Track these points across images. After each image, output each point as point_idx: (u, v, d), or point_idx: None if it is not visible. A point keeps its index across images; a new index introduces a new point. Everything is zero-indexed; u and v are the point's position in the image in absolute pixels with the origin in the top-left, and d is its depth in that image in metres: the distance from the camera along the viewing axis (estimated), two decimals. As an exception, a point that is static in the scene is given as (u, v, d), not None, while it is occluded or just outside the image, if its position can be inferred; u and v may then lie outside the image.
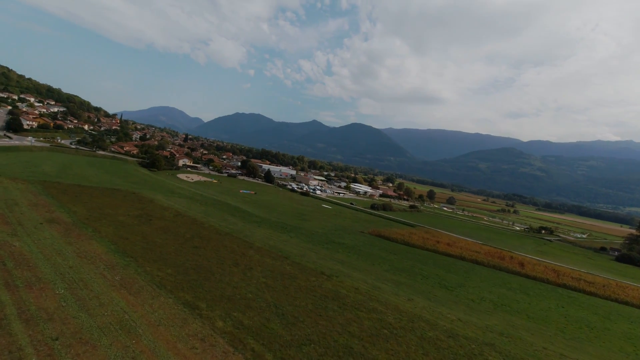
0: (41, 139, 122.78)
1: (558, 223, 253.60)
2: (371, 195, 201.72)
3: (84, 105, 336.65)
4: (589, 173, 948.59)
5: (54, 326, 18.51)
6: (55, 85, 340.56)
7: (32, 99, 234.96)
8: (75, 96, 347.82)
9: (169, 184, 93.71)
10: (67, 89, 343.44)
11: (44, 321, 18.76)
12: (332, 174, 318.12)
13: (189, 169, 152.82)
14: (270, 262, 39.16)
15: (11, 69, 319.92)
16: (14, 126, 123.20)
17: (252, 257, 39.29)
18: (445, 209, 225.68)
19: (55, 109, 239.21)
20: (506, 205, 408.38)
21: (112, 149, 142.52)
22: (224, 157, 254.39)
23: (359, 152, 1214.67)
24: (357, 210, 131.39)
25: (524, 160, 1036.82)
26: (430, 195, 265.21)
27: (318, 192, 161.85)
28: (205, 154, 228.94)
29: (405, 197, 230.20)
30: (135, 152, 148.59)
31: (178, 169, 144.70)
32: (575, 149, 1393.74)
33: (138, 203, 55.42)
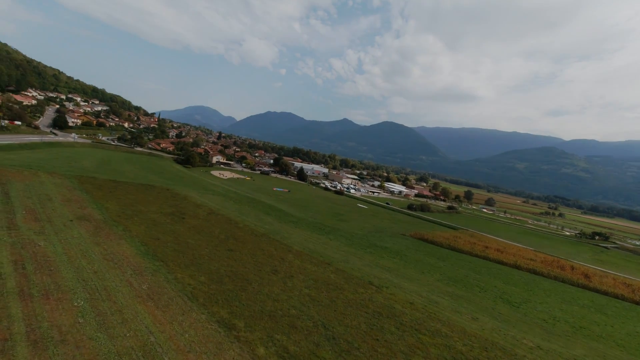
0: (84, 135, 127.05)
1: (610, 228, 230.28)
2: (406, 195, 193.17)
3: (125, 105, 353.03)
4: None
5: (65, 351, 15.09)
6: (100, 86, 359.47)
7: (78, 99, 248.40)
8: (118, 96, 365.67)
9: (202, 180, 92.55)
10: (110, 89, 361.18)
11: (55, 343, 15.40)
12: (364, 173, 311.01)
13: (222, 165, 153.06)
14: (312, 268, 34.83)
15: (61, 72, 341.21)
16: (59, 123, 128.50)
17: (291, 263, 35.16)
18: (485, 210, 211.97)
19: (99, 108, 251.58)
20: (549, 207, 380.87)
21: (150, 145, 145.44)
22: (256, 154, 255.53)
23: (390, 151, 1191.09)
24: (394, 210, 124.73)
25: (566, 160, 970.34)
26: (468, 196, 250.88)
27: (352, 191, 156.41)
28: (238, 151, 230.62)
29: (442, 197, 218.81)
30: (171, 148, 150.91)
31: (212, 165, 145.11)
32: (624, 148, 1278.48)
33: (171, 200, 53.27)
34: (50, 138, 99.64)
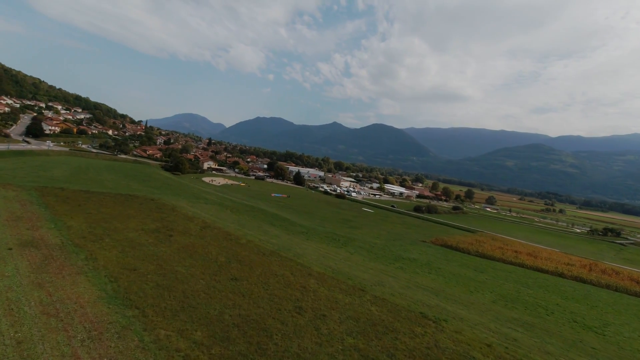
0: (61, 143, 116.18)
1: (612, 223, 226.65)
2: (408, 197, 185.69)
3: (111, 113, 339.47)
4: (626, 168, 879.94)
5: None
6: (84, 95, 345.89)
7: (59, 107, 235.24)
8: (103, 104, 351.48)
9: (193, 188, 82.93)
10: (96, 98, 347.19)
11: None
12: (360, 175, 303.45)
13: (214, 172, 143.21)
14: (344, 300, 25.96)
15: (43, 81, 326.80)
16: (34, 131, 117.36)
17: (317, 293, 26.23)
18: (488, 209, 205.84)
19: (82, 116, 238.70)
20: (545, 204, 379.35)
21: (135, 152, 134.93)
22: (248, 159, 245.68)
23: (380, 153, 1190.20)
24: (401, 213, 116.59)
25: (555, 156, 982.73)
26: (469, 195, 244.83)
27: (353, 194, 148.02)
28: (229, 157, 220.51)
29: (443, 197, 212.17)
30: (158, 155, 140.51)
31: (203, 172, 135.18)
32: (609, 143, 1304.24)
33: (157, 212, 43.80)
34: (18, 146, 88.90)
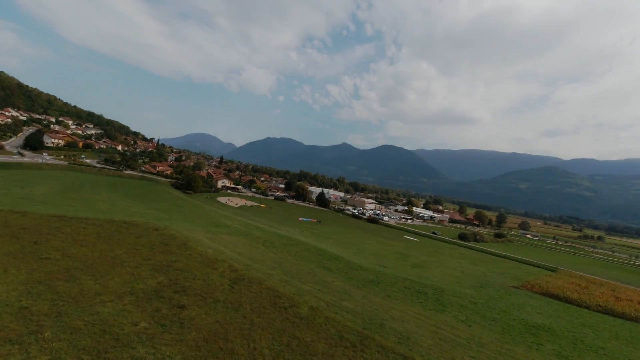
0: (62, 157, 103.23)
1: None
2: (440, 221, 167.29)
3: (123, 130, 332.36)
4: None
5: None
6: (98, 113, 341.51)
7: (69, 122, 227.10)
8: (115, 121, 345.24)
9: (209, 210, 67.39)
10: (110, 117, 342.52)
11: None
12: (378, 196, 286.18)
13: (229, 190, 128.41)
14: None
15: (58, 98, 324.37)
16: (33, 143, 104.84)
17: None
18: (528, 236, 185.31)
19: (92, 132, 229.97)
20: (572, 229, 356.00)
21: (143, 168, 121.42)
22: (262, 179, 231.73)
23: (391, 174, 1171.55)
24: (449, 242, 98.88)
25: (570, 179, 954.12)
26: (501, 220, 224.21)
27: (385, 218, 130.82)
28: (242, 175, 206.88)
29: (476, 222, 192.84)
30: (169, 172, 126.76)
31: (217, 191, 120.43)
32: (624, 166, 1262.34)
33: (161, 252, 27.97)
34: (6, 158, 75.48)
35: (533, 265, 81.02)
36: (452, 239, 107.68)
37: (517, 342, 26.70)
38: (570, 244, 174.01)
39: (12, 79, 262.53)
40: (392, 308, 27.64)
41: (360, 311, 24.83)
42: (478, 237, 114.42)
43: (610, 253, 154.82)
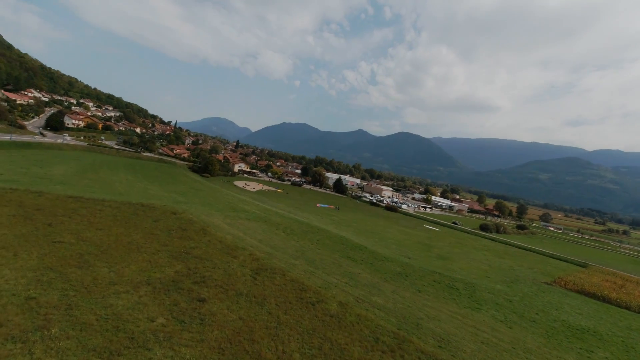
0: (82, 137, 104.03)
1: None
2: (459, 211, 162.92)
3: (142, 112, 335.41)
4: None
5: None
6: (118, 96, 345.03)
7: (90, 104, 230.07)
8: (134, 104, 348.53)
9: (227, 195, 66.22)
10: (128, 100, 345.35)
11: None
12: (394, 184, 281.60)
13: (245, 175, 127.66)
14: None
15: (79, 80, 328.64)
16: (54, 124, 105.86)
17: None
18: (551, 229, 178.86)
19: (112, 114, 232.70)
20: (595, 222, 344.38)
21: (161, 150, 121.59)
22: (277, 163, 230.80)
23: (406, 162, 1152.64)
24: (470, 233, 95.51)
25: (592, 171, 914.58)
26: (521, 211, 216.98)
27: (404, 206, 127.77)
28: (258, 160, 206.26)
29: (495, 212, 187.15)
30: (186, 155, 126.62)
31: (234, 175, 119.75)
32: None
33: (179, 237, 26.48)
34: (28, 138, 75.99)
35: (560, 259, 77.11)
36: (474, 229, 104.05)
37: (565, 347, 24.23)
38: (596, 238, 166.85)
39: (35, 61, 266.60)
40: (425, 305, 25.49)
41: (392, 308, 22.78)
42: (501, 228, 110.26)
43: (638, 248, 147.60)
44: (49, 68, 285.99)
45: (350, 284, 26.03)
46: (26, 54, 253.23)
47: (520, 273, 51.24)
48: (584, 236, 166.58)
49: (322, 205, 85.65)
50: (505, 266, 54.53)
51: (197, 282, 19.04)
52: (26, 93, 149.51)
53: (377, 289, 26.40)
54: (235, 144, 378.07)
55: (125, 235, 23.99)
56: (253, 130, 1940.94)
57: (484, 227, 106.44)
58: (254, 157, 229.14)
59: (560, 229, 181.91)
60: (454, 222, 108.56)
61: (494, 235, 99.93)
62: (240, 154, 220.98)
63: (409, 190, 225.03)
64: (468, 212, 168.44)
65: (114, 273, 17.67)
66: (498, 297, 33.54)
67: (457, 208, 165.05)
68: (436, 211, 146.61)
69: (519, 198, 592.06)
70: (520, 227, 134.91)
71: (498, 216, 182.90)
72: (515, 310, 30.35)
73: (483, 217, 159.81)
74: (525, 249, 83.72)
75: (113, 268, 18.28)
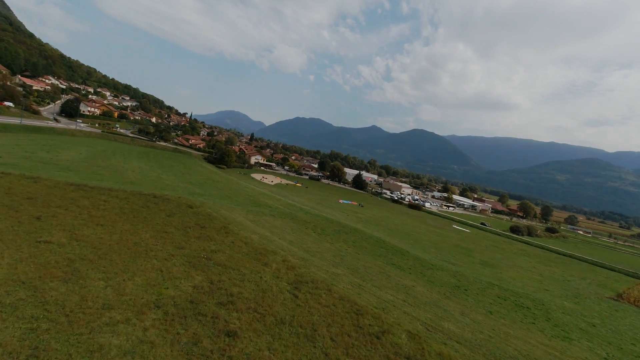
0: (96, 125, 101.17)
1: None
2: (482, 211, 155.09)
3: (158, 103, 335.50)
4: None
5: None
6: (135, 86, 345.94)
7: (107, 93, 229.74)
8: (150, 95, 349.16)
9: (246, 188, 61.50)
10: (145, 91, 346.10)
11: None
12: (411, 181, 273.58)
13: (262, 167, 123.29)
14: None
15: (97, 70, 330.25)
16: (69, 110, 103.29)
17: None
18: (580, 232, 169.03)
19: (128, 103, 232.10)
20: (620, 226, 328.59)
21: (176, 140, 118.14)
22: (292, 157, 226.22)
23: (420, 159, 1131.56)
24: (505, 236, 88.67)
25: (613, 173, 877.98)
26: (546, 213, 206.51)
27: (427, 204, 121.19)
28: (274, 153, 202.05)
29: (519, 213, 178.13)
30: (201, 145, 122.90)
31: (250, 167, 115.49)
32: None
33: (197, 237, 21.53)
34: (40, 122, 72.90)
35: (606, 267, 69.86)
36: (504, 231, 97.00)
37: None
38: (630, 244, 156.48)
39: (55, 50, 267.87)
40: (508, 335, 19.87)
41: (472, 340, 17.27)
42: (532, 231, 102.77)
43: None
44: (69, 57, 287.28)
45: (408, 302, 20.68)
46: (47, 44, 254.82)
47: (577, 285, 44.89)
48: (618, 242, 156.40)
49: (345, 202, 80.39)
50: (557, 276, 48.19)
51: (222, 303, 13.95)
52: (44, 79, 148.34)
53: (442, 310, 20.98)
54: (250, 136, 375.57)
55: (131, 234, 19.13)
56: (267, 124, 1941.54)
57: (514, 230, 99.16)
58: (269, 150, 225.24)
59: (590, 233, 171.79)
60: (482, 223, 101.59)
61: (526, 239, 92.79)
62: (255, 146, 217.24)
63: (427, 188, 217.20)
64: (492, 212, 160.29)
65: (112, 289, 12.73)
66: (577, 320, 27.62)
67: (480, 208, 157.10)
68: (459, 210, 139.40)
69: (536, 198, 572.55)
70: (551, 230, 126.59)
71: (523, 217, 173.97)
72: (607, 340, 24.46)
73: (508, 217, 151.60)
74: (564, 255, 76.56)
75: (111, 281, 13.35)
